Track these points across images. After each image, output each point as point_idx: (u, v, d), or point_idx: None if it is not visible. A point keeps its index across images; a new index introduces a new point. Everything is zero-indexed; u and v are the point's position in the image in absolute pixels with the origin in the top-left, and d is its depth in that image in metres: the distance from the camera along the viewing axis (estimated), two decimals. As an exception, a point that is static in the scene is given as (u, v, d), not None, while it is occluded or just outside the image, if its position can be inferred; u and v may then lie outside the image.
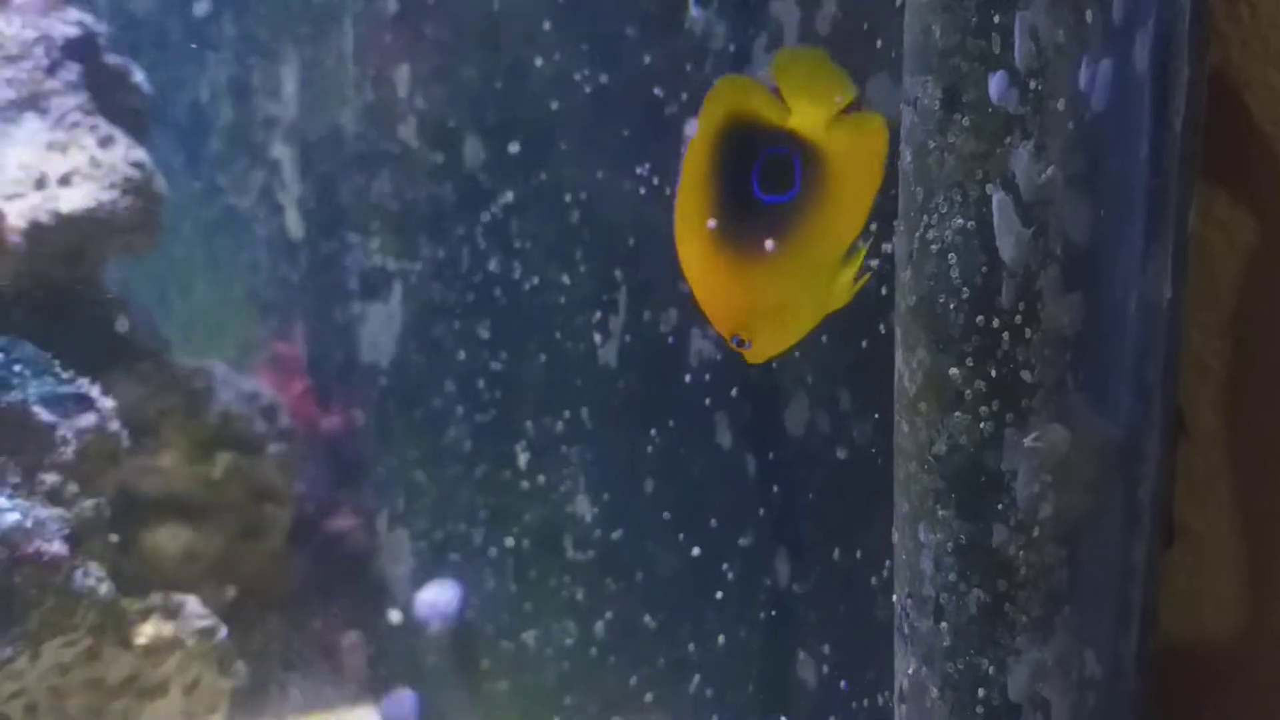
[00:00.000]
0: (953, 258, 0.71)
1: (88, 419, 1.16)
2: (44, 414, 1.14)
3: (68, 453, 1.14)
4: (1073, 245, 0.72)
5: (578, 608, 1.38)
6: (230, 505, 1.78)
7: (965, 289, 0.71)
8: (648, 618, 1.28)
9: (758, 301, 0.67)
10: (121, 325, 1.74)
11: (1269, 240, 1.02)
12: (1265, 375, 1.03)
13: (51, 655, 1.09)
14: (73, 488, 1.13)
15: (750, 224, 0.67)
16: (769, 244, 0.66)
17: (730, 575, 1.18)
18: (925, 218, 0.72)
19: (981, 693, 0.76)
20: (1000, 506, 0.73)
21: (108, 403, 1.20)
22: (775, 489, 1.13)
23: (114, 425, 1.19)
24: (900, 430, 0.76)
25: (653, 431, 1.26)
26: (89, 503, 1.14)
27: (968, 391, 0.72)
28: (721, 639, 1.19)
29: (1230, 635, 1.06)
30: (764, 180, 0.67)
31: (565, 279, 1.34)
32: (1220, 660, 1.06)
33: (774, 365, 1.10)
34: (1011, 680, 0.76)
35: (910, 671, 0.78)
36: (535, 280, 1.39)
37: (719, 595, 1.19)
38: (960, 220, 0.71)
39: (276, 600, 1.85)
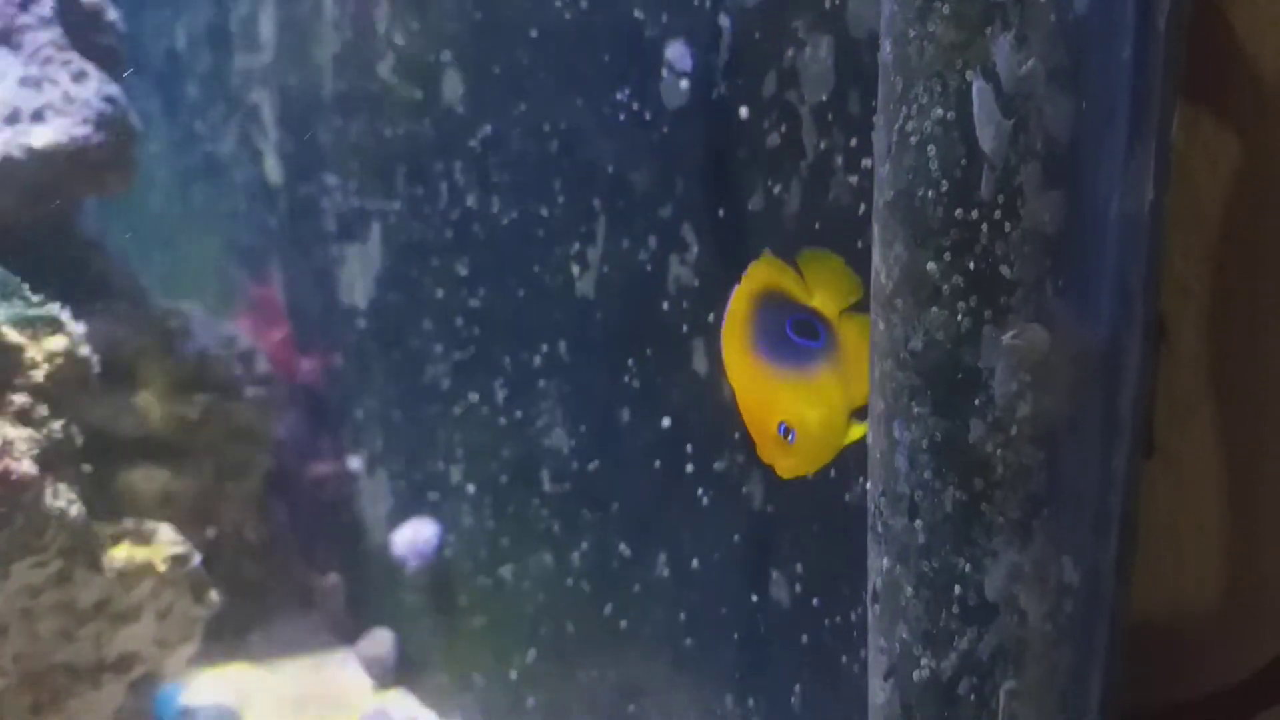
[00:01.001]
0: (932, 149, 0.70)
1: (58, 342, 1.15)
2: (13, 335, 1.12)
3: (37, 375, 1.12)
4: (1054, 141, 0.71)
5: (554, 540, 1.37)
6: (207, 447, 1.77)
7: (944, 181, 0.70)
8: (623, 546, 1.28)
9: (792, 408, 0.79)
10: (96, 265, 1.72)
11: (1252, 162, 1.01)
12: (1247, 298, 1.02)
13: (21, 576, 1.08)
14: (42, 410, 1.12)
15: (786, 356, 0.81)
16: (805, 368, 0.81)
17: (705, 500, 1.17)
18: (904, 109, 0.71)
19: (957, 591, 0.75)
20: (977, 403, 0.73)
21: (78, 328, 1.19)
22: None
23: (84, 350, 1.18)
24: (876, 328, 0.75)
25: (630, 361, 1.25)
26: (58, 424, 1.12)
27: (945, 287, 0.72)
28: (696, 563, 1.19)
29: (1209, 560, 1.06)
30: (795, 330, 0.82)
31: (544, 211, 1.33)
32: (1198, 584, 1.06)
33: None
34: (989, 581, 0.76)
35: (884, 570, 0.77)
36: (514, 214, 1.38)
37: (694, 520, 1.18)
38: (940, 111, 0.70)
39: (255, 543, 1.84)
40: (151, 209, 2.19)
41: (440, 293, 1.53)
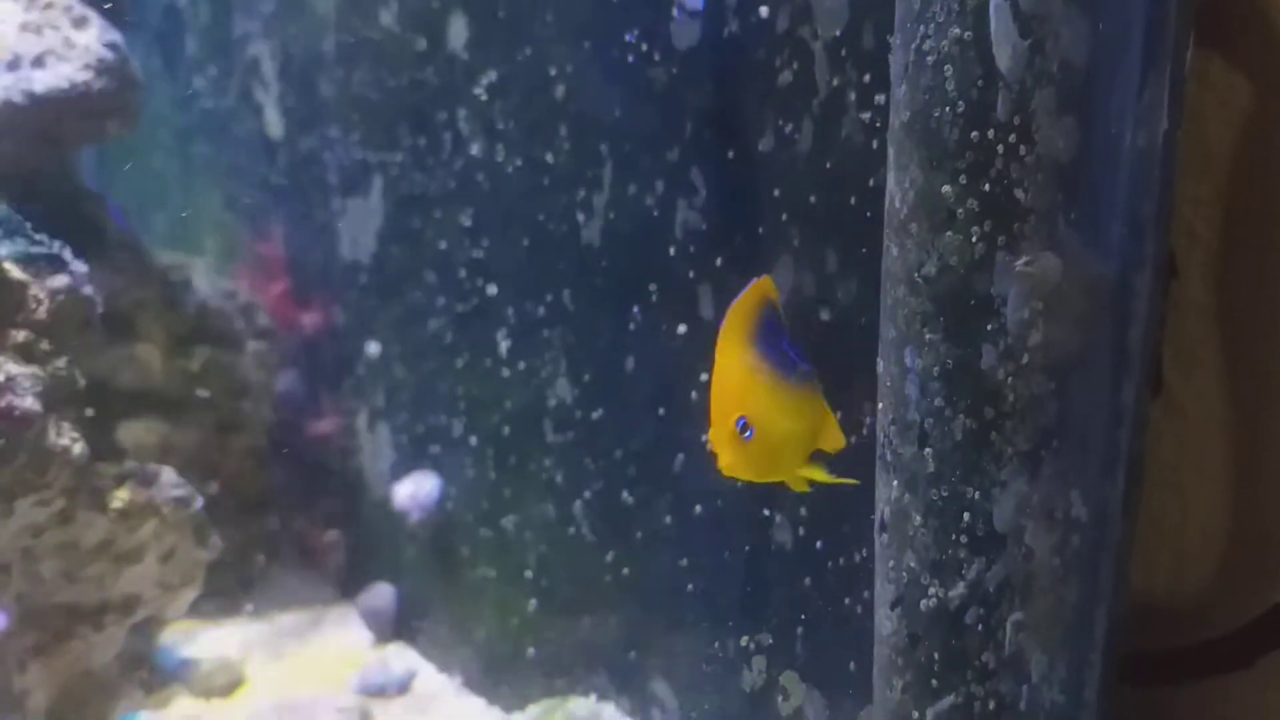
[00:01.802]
0: (948, 69, 0.70)
1: (60, 280, 1.14)
2: (16, 272, 1.11)
3: (40, 312, 1.12)
4: (1070, 66, 0.71)
5: (557, 490, 1.37)
6: (208, 400, 1.76)
7: (960, 102, 0.70)
8: (626, 494, 1.28)
9: (762, 408, 0.77)
10: (97, 216, 1.71)
11: (1263, 105, 1.00)
12: (1256, 244, 1.02)
13: (24, 514, 1.08)
14: (45, 347, 1.11)
15: (777, 362, 0.78)
16: (791, 379, 0.78)
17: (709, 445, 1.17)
18: (921, 28, 0.70)
19: (966, 520, 0.75)
20: (989, 329, 0.72)
21: (81, 267, 1.18)
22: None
23: (87, 289, 1.17)
24: (889, 254, 0.75)
25: (635, 308, 1.24)
26: (61, 362, 1.11)
27: (960, 210, 0.71)
28: (699, 509, 1.19)
29: (1213, 508, 1.06)
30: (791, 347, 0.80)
31: (549, 158, 1.32)
32: (1202, 532, 1.06)
33: (761, 230, 1.09)
34: (998, 511, 0.76)
35: (892, 499, 0.77)
36: (519, 162, 1.37)
37: (697, 466, 1.18)
38: (957, 30, 0.69)
39: (256, 497, 1.84)
40: (152, 164, 2.17)
41: (443, 244, 1.52)
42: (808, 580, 1.06)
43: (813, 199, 1.02)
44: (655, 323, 1.22)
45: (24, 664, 1.15)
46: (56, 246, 1.17)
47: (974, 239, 0.71)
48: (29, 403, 1.05)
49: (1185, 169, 1.00)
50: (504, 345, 1.44)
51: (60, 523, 1.12)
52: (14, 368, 1.07)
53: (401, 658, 1.64)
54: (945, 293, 0.73)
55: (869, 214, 0.95)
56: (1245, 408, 1.05)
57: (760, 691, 1.14)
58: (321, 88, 1.74)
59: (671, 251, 1.18)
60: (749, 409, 0.75)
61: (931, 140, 0.71)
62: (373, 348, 1.72)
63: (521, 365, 1.42)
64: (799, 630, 1.09)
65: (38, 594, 1.14)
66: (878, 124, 0.95)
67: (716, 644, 1.19)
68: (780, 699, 1.11)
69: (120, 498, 1.16)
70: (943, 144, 0.70)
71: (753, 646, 1.14)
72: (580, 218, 1.29)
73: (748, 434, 0.76)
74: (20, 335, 1.09)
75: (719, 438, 0.77)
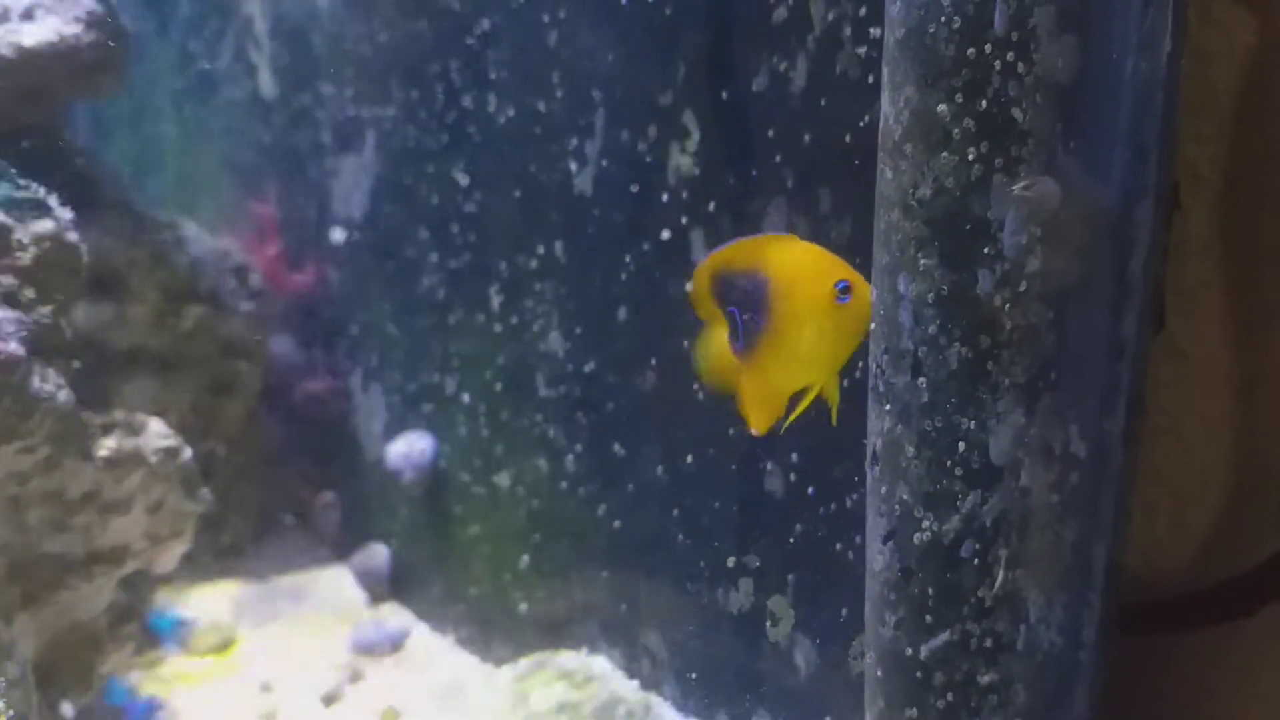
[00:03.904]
0: (945, -17, 0.68)
1: (45, 225, 1.12)
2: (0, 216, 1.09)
3: (24, 257, 1.10)
4: (1070, -19, 0.69)
5: (549, 444, 1.36)
6: (200, 360, 1.74)
7: (957, 17, 0.68)
8: (617, 446, 1.26)
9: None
10: (88, 175, 1.69)
11: (1267, 43, 0.98)
12: (1259, 184, 1.00)
13: (8, 461, 1.06)
14: (29, 293, 1.09)
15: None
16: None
17: (701, 395, 1.15)
18: (917, -60, 0.68)
19: (961, 451, 0.74)
20: (986, 253, 0.71)
21: (67, 214, 1.16)
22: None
23: (73, 236, 1.15)
24: (883, 177, 0.73)
25: (627, 258, 1.22)
26: (46, 310, 1.09)
27: (956, 130, 0.69)
28: (690, 459, 1.17)
29: (1214, 453, 1.04)
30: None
31: (541, 106, 1.30)
32: (1203, 477, 1.05)
33: (755, 174, 1.07)
34: (994, 442, 0.74)
35: (884, 431, 0.76)
36: (511, 112, 1.35)
37: (689, 415, 1.17)
38: (954, -59, 0.67)
39: (249, 458, 1.83)
40: (143, 126, 2.15)
41: (435, 200, 1.50)
42: (799, 528, 1.04)
43: (807, 138, 1.00)
44: (648, 271, 1.21)
45: (11, 614, 1.14)
46: (42, 192, 1.15)
47: (970, 160, 0.69)
48: (13, 346, 1.04)
49: (1189, 108, 0.98)
50: (496, 300, 1.42)
51: (46, 470, 1.10)
52: (-3, 312, 1.05)
53: (395, 616, 1.63)
54: (940, 216, 0.71)
55: (865, 153, 0.93)
56: (1248, 353, 1.03)
57: (751, 638, 1.13)
58: (313, 43, 1.71)
59: (665, 198, 1.16)
60: (851, 275, 0.74)
61: (927, 57, 0.69)
62: (365, 307, 1.71)
63: (514, 320, 1.40)
64: (790, 578, 1.08)
65: (25, 543, 1.13)
66: (874, 57, 0.93)
67: (707, 595, 1.18)
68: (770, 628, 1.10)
69: (107, 446, 1.15)
70: (938, 60, 0.68)
71: (744, 594, 1.13)
72: (573, 166, 1.27)
73: (846, 297, 0.74)
74: (4, 280, 1.07)
75: (816, 294, 0.74)
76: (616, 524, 1.28)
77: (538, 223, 1.34)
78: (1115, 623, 0.91)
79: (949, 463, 0.74)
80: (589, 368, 1.30)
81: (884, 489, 0.77)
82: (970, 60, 0.68)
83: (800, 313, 0.75)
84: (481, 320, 1.45)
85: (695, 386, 1.15)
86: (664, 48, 1.13)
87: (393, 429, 1.64)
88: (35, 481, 1.10)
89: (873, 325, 0.76)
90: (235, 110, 1.96)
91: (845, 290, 0.74)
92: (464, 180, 1.45)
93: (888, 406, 0.75)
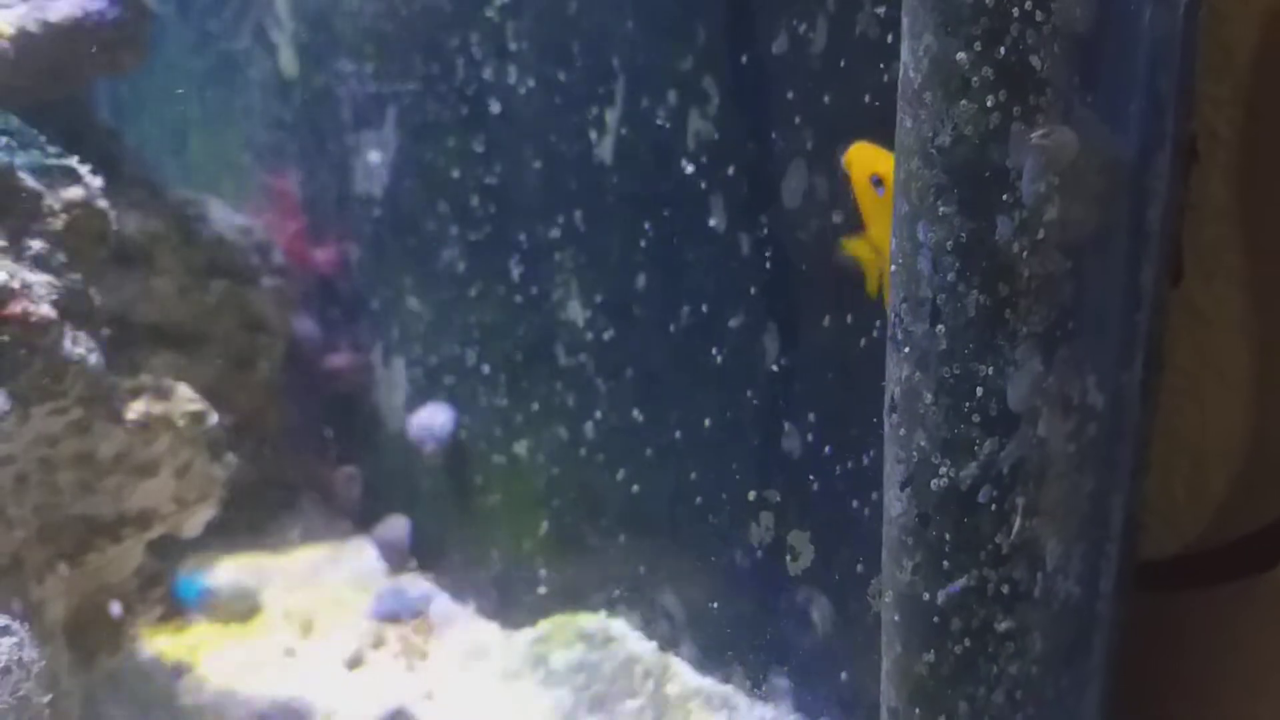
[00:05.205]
0: (963, -70, 0.68)
1: (75, 191, 1.14)
2: (30, 182, 1.11)
3: (55, 223, 1.12)
4: (1087, -71, 0.70)
5: (568, 412, 1.37)
6: (223, 334, 1.77)
7: (975, -36, 0.68)
8: (636, 412, 1.28)
9: None
10: (112, 151, 1.71)
11: (1285, 1, 0.99)
12: (1278, 145, 1.00)
13: (40, 422, 1.08)
14: (60, 257, 1.11)
15: None
16: None
17: (720, 358, 1.16)
18: (936, -112, 0.69)
19: (979, 397, 0.74)
20: (1005, 200, 0.71)
21: (96, 181, 1.18)
22: (767, 265, 1.11)
23: (102, 202, 1.17)
24: (902, 126, 0.74)
25: (647, 225, 1.24)
26: (76, 275, 1.11)
27: (975, 78, 0.70)
28: (708, 422, 1.19)
29: (1232, 412, 1.05)
30: None
31: (561, 76, 1.31)
32: (1221, 436, 1.05)
33: (774, 136, 1.08)
34: (1012, 389, 0.75)
35: (903, 379, 0.77)
36: (531, 83, 1.36)
37: (707, 380, 1.18)
38: (972, -111, 0.68)
39: (272, 432, 1.85)
40: (166, 103, 2.17)
41: (456, 173, 1.51)
42: (818, 487, 1.06)
43: (827, 99, 1.01)
44: (667, 237, 1.22)
45: (42, 575, 1.16)
46: (73, 160, 1.17)
47: (989, 108, 0.70)
48: (45, 309, 1.05)
49: (1206, 69, 0.99)
50: (516, 271, 1.44)
51: (77, 432, 1.12)
52: (30, 275, 1.07)
53: (416, 586, 1.65)
54: (959, 164, 0.72)
55: (885, 114, 0.94)
56: (1267, 313, 1.03)
57: (769, 600, 1.14)
58: (335, 21, 1.73)
59: (684, 163, 1.17)
60: (883, 170, 0.87)
61: (945, 4, 0.70)
62: (387, 281, 1.72)
63: (534, 290, 1.41)
64: (810, 540, 1.09)
65: (55, 504, 1.14)
66: (893, 16, 0.93)
67: (725, 557, 1.19)
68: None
69: (136, 409, 1.16)
70: (957, 8, 0.69)
71: (762, 557, 1.14)
72: (593, 135, 1.28)
73: (880, 189, 0.88)
74: (36, 244, 1.09)
75: (862, 184, 0.90)
76: (635, 488, 1.29)
77: (558, 192, 1.35)
78: (1132, 577, 0.92)
79: (967, 408, 0.75)
80: (608, 335, 1.31)
81: (902, 435, 0.78)
82: (989, 8, 0.69)
83: (860, 199, 0.91)
84: (502, 291, 1.46)
85: (714, 351, 1.16)
86: (683, 13, 1.14)
87: (414, 402, 1.66)
88: (66, 443, 1.12)
89: (892, 272, 0.77)
90: (255, 87, 1.98)
91: (878, 183, 0.88)
92: (484, 152, 1.46)
93: (906, 352, 0.76)
